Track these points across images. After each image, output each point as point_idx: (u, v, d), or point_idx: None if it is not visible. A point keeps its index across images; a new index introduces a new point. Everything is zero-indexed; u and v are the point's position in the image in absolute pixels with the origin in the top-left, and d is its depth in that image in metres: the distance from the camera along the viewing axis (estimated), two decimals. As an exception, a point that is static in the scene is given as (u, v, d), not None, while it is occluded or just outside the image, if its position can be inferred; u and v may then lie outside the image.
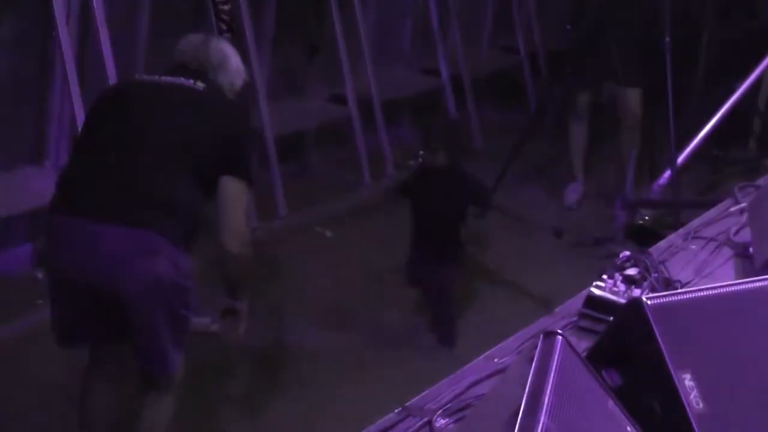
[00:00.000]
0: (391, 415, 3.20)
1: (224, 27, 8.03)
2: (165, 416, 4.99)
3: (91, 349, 5.05)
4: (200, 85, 4.99)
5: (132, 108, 4.91)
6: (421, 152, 7.18)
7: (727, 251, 4.46)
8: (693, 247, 4.51)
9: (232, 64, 5.20)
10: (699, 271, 4.25)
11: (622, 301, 3.60)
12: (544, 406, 2.37)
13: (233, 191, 4.85)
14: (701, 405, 2.78)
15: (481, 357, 3.51)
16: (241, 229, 4.94)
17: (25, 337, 6.49)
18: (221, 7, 8.03)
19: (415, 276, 7.14)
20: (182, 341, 4.82)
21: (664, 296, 2.99)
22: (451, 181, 7.00)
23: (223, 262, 4.95)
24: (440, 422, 3.17)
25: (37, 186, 6.38)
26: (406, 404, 3.25)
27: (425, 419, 3.18)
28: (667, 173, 8.42)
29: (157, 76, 5.07)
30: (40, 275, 6.56)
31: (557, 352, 2.58)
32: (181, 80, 4.97)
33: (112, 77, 6.92)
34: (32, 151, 7.29)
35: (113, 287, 4.61)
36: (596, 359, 2.86)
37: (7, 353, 6.37)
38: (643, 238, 5.23)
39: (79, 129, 5.12)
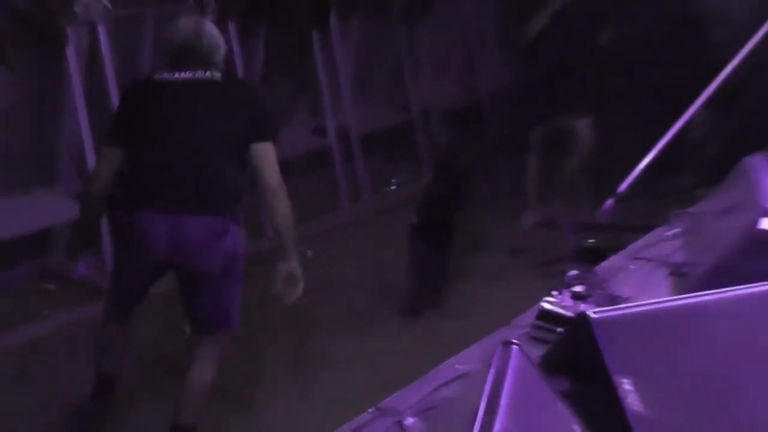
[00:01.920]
0: (365, 414, 3.21)
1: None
2: (215, 367, 5.38)
3: (121, 314, 5.55)
4: (216, 74, 5.22)
5: (174, 109, 5.15)
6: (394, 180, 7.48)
7: (663, 271, 4.47)
8: (633, 267, 4.53)
9: (220, 44, 5.41)
10: (639, 289, 4.27)
11: (571, 314, 3.62)
12: (502, 408, 2.39)
13: (266, 151, 5.21)
14: (639, 407, 2.81)
15: (445, 363, 3.53)
16: (278, 174, 5.30)
17: (33, 344, 6.52)
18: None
19: (421, 258, 7.63)
20: (239, 300, 5.38)
21: (608, 311, 3.01)
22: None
23: (274, 210, 5.30)
24: (409, 421, 3.19)
25: (49, 207, 6.40)
26: (379, 405, 3.27)
27: (396, 419, 3.20)
28: (610, 200, 8.46)
29: (177, 74, 5.17)
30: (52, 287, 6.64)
31: (513, 359, 2.60)
32: (199, 74, 5.17)
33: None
34: (45, 175, 7.30)
35: (195, 266, 5.14)
36: (548, 366, 2.89)
37: (14, 360, 6.43)
38: (589, 258, 5.24)
39: (121, 126, 5.23)
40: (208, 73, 5.21)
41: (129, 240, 5.17)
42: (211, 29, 5.43)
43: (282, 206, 5.27)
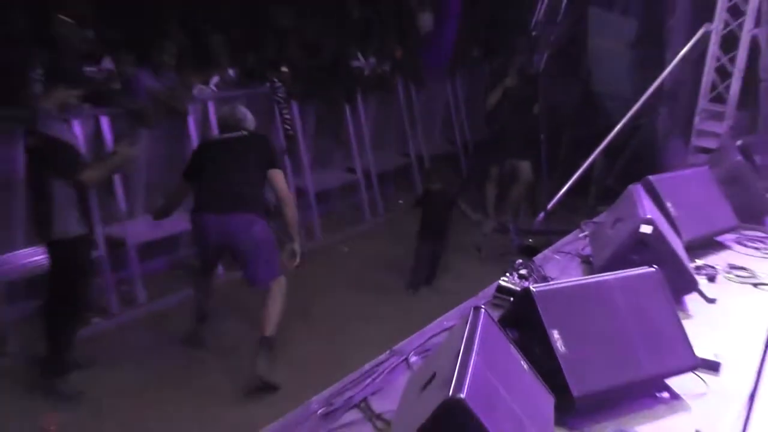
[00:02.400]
0: (382, 355, 3.22)
1: (288, 127, 8.07)
2: (280, 303, 5.65)
3: (204, 273, 6.07)
4: (244, 133, 5.82)
5: (223, 153, 5.69)
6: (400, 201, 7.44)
7: (577, 260, 4.46)
8: (558, 257, 4.51)
9: (248, 116, 5.91)
10: (562, 272, 4.26)
11: (518, 289, 3.62)
12: (475, 350, 2.40)
13: (278, 174, 5.74)
14: (564, 348, 2.82)
15: (437, 320, 3.54)
16: (287, 188, 5.84)
17: (172, 308, 6.63)
18: (285, 115, 8.07)
19: (422, 251, 7.65)
20: (277, 264, 5.69)
21: (543, 286, 3.01)
22: (444, 198, 7.54)
23: (285, 212, 5.71)
24: (413, 359, 3.19)
25: (176, 220, 6.41)
26: (393, 348, 3.28)
27: (404, 357, 3.21)
28: (542, 214, 8.46)
29: (225, 135, 5.85)
30: (180, 272, 6.71)
31: (482, 318, 2.61)
32: (234, 134, 5.79)
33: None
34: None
35: (237, 244, 5.57)
36: (504, 322, 2.88)
37: (162, 316, 6.56)
38: (530, 252, 5.23)
39: (191, 167, 5.82)
40: (239, 133, 5.80)
41: (199, 231, 5.68)
42: (241, 109, 5.97)
43: (290, 209, 5.75)
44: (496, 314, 2.92)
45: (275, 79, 7.94)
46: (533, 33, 9.52)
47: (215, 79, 7.57)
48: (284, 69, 8.01)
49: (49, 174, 5.02)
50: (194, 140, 7.07)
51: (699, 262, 4.54)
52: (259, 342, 5.55)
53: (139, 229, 6.82)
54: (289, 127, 8.09)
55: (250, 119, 5.91)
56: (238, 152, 5.70)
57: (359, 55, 9.45)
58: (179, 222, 6.43)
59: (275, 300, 5.63)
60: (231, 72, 7.83)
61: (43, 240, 5.24)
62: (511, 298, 3.49)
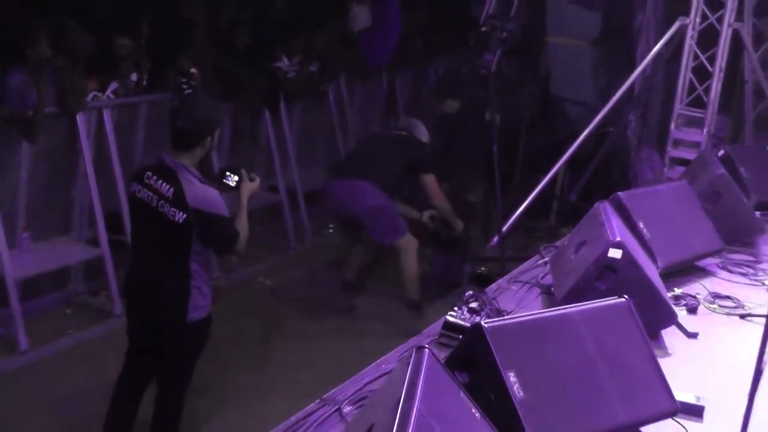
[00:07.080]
0: (312, 405, 3.21)
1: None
2: (413, 259, 7.25)
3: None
4: (404, 133, 7.65)
5: (377, 142, 7.94)
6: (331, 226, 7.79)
7: (536, 290, 4.49)
8: (514, 287, 4.53)
9: (421, 129, 7.68)
10: (518, 304, 4.28)
11: (468, 325, 3.63)
12: (417, 397, 2.39)
13: (429, 178, 7.51)
14: (522, 393, 2.81)
15: (373, 364, 3.54)
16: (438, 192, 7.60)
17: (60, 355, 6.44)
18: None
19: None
20: (399, 226, 7.19)
21: (496, 321, 3.01)
22: None
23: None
24: (347, 409, 3.18)
25: (65, 251, 6.30)
26: (323, 397, 3.26)
27: (336, 407, 3.19)
28: (496, 238, 8.47)
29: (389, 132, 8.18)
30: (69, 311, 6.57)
31: (425, 359, 2.60)
32: (396, 132, 7.79)
33: (119, 174, 6.99)
34: (61, 226, 7.18)
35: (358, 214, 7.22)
36: (451, 364, 2.88)
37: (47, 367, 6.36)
38: (481, 282, 5.24)
39: None
40: (400, 132, 7.73)
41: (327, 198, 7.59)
42: (415, 121, 7.83)
43: (442, 201, 7.68)
44: (443, 355, 2.91)
45: (183, 83, 7.84)
46: (483, 29, 9.53)
47: (113, 86, 7.44)
48: (193, 71, 7.93)
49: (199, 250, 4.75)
50: (87, 156, 6.91)
51: (677, 291, 4.60)
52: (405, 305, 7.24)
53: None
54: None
55: (421, 132, 7.59)
56: (390, 145, 7.41)
57: (281, 55, 9.40)
58: (67, 252, 6.31)
59: (404, 260, 7.18)
60: (133, 77, 7.71)
61: (176, 323, 4.80)
62: (460, 336, 3.48)
